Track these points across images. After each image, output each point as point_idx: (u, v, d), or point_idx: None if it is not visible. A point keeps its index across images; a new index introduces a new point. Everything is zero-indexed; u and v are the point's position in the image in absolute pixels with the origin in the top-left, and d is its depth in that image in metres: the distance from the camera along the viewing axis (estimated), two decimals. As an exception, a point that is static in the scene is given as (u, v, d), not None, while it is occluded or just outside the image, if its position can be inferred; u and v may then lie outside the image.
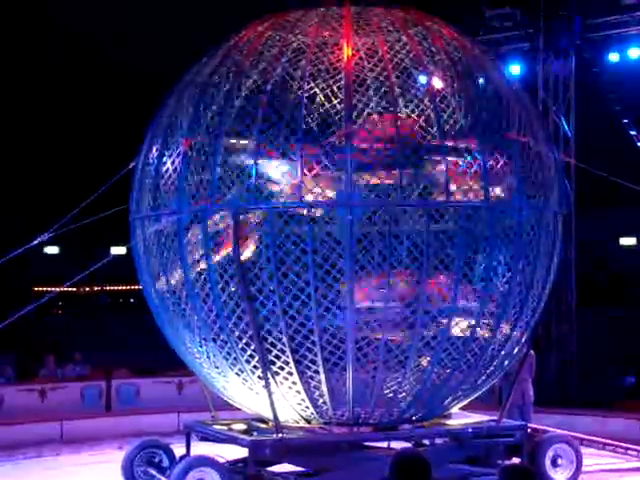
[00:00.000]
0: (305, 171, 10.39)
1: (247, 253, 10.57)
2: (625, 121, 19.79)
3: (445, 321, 10.61)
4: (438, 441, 11.79)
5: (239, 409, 11.91)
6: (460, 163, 10.56)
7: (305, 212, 10.37)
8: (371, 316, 10.58)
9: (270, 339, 10.60)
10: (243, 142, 10.63)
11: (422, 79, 11.00)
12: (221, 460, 11.05)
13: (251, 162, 10.46)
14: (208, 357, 11.13)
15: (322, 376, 10.62)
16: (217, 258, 10.50)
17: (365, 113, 11.28)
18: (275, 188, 10.59)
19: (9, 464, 14.81)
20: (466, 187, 10.58)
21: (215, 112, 10.85)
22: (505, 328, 11.05)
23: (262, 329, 10.58)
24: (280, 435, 10.82)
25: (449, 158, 10.49)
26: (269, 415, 10.96)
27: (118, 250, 17.23)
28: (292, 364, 10.59)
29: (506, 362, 11.56)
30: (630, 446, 13.98)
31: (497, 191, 10.77)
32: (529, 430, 12.08)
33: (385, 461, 10.46)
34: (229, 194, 10.65)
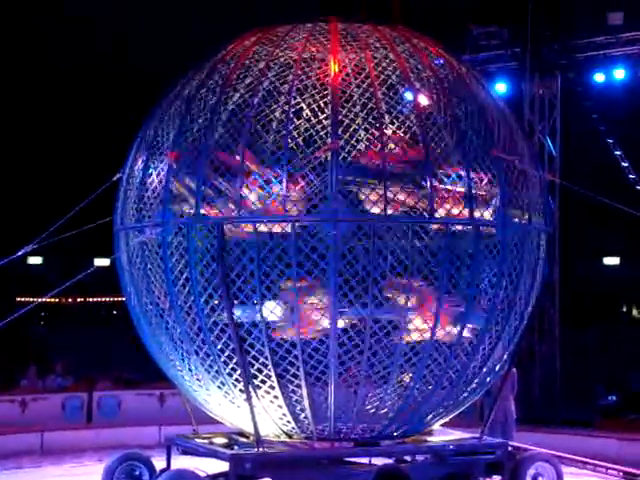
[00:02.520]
0: (290, 185, 10.42)
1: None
2: (610, 141, 19.92)
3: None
4: (419, 457, 11.79)
5: (220, 422, 11.88)
6: (445, 180, 10.60)
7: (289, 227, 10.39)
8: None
9: (253, 353, 10.60)
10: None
11: (408, 96, 11.05)
12: (202, 474, 11.02)
13: (236, 176, 10.48)
14: (190, 370, 11.11)
15: (304, 391, 10.62)
16: None
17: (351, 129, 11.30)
18: (260, 202, 10.59)
19: (-12, 475, 14.74)
20: (451, 204, 10.61)
21: (201, 125, 10.87)
22: (487, 345, 11.07)
23: (245, 343, 10.58)
24: (261, 449, 10.80)
25: (434, 175, 10.53)
26: (250, 429, 10.94)
27: (102, 261, 17.20)
28: (274, 378, 10.59)
29: (488, 379, 11.57)
30: (610, 465, 13.99)
31: (481, 208, 10.79)
32: (510, 448, 12.09)
33: (366, 477, 10.52)
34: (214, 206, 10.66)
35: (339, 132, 10.72)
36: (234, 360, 10.61)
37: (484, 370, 11.25)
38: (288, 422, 10.97)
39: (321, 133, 11.20)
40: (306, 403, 10.71)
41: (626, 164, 19.91)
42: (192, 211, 10.57)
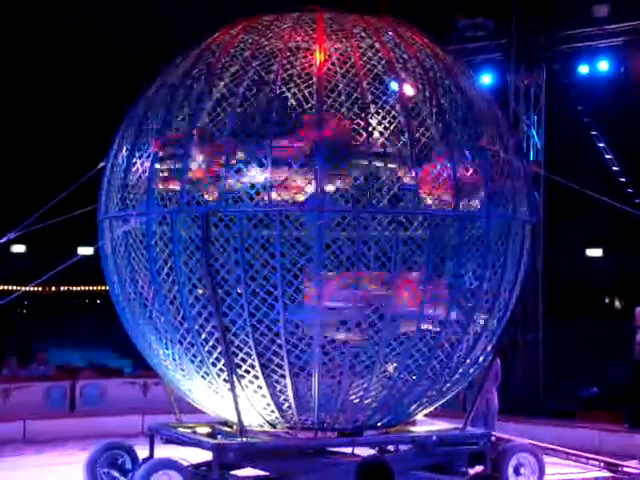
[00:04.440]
0: (275, 175, 10.41)
1: None
2: (594, 133, 19.97)
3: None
4: (402, 448, 11.81)
5: (204, 412, 11.88)
6: (430, 171, 10.60)
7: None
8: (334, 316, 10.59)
9: (237, 342, 10.59)
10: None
11: (394, 86, 11.04)
12: (185, 463, 11.01)
13: (221, 165, 10.46)
14: (174, 359, 11.10)
15: (288, 380, 10.62)
16: None
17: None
18: (245, 191, 10.58)
19: (-30, 464, 14.69)
20: (435, 195, 10.62)
21: (186, 114, 10.84)
22: (471, 336, 11.09)
23: (229, 332, 10.57)
24: (244, 439, 10.81)
25: (419, 165, 10.53)
26: (234, 418, 10.94)
27: (85, 250, 17.15)
28: (258, 368, 10.59)
29: (472, 370, 11.60)
30: (592, 456, 14.07)
31: (466, 199, 10.81)
32: (493, 438, 12.12)
33: (349, 467, 10.54)
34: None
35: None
36: (218, 349, 10.61)
37: (468, 361, 11.28)
38: (272, 412, 10.97)
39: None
40: (290, 393, 10.72)
41: (610, 156, 19.97)
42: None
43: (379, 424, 11.32)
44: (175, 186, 10.59)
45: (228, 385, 10.68)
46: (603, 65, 19.04)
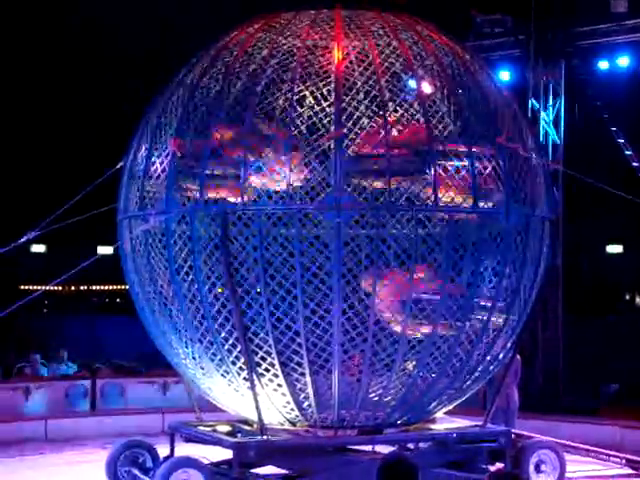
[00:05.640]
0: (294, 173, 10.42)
1: None
2: (614, 129, 19.87)
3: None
4: (422, 445, 11.79)
5: (224, 411, 11.90)
6: (449, 168, 10.57)
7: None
8: None
9: (256, 341, 10.60)
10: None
11: (412, 83, 11.02)
12: (205, 461, 11.03)
13: (240, 164, 10.48)
14: (194, 358, 11.12)
15: (308, 379, 10.62)
16: None
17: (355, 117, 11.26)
18: (263, 189, 10.59)
19: (-8, 462, 14.77)
20: (454, 192, 10.59)
21: (204, 113, 10.85)
22: (491, 333, 11.06)
23: (248, 331, 10.58)
24: (264, 437, 10.82)
25: (438, 163, 10.51)
26: (254, 417, 10.95)
27: (105, 250, 17.20)
28: (278, 366, 10.59)
29: (491, 367, 11.58)
30: (613, 453, 13.99)
31: (485, 196, 10.78)
32: (513, 435, 12.09)
33: (369, 465, 10.54)
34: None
35: (342, 120, 10.70)
36: (238, 348, 10.62)
37: (487, 358, 11.25)
38: (292, 410, 10.98)
39: (324, 121, 11.19)
40: (310, 391, 10.72)
41: (629, 152, 19.86)
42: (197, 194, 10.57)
43: (399, 422, 11.31)
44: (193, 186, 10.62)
45: (248, 383, 10.69)
46: (623, 61, 18.95)
